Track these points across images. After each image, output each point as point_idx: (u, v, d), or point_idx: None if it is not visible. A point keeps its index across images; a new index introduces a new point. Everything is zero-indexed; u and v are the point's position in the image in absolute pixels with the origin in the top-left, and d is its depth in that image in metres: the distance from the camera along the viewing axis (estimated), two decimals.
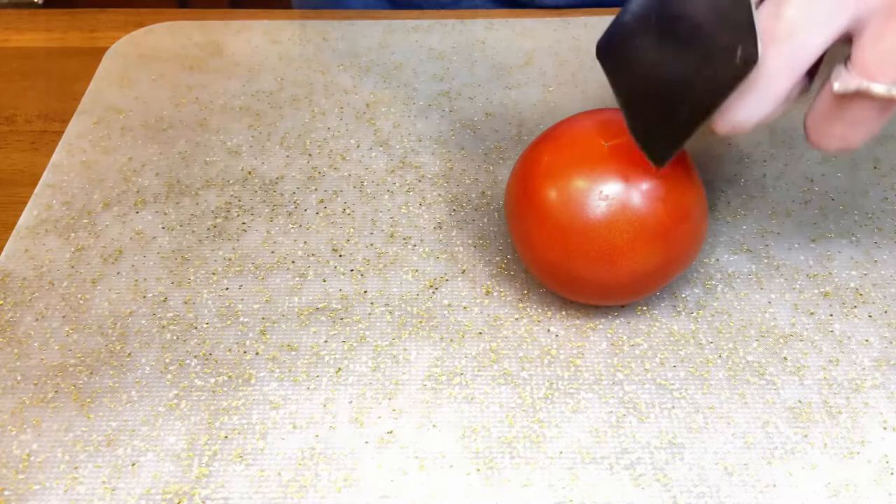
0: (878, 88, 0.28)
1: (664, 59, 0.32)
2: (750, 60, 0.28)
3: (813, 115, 0.31)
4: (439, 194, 0.45)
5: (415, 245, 0.42)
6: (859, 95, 0.29)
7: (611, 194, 0.34)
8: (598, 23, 0.56)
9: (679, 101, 0.31)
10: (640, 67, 0.33)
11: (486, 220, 0.43)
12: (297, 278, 0.41)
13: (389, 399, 0.36)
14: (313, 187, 0.45)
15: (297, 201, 0.44)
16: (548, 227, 0.35)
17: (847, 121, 0.30)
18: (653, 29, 0.32)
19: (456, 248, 0.42)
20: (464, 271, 0.41)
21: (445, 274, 0.41)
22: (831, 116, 0.30)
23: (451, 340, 0.38)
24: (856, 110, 0.30)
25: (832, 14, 0.28)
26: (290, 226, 0.43)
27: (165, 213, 0.44)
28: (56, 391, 0.36)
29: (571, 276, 0.36)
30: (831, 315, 0.39)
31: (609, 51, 0.34)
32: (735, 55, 0.28)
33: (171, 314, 0.39)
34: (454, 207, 0.44)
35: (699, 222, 0.36)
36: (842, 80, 0.29)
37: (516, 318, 0.39)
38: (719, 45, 0.29)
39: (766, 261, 0.41)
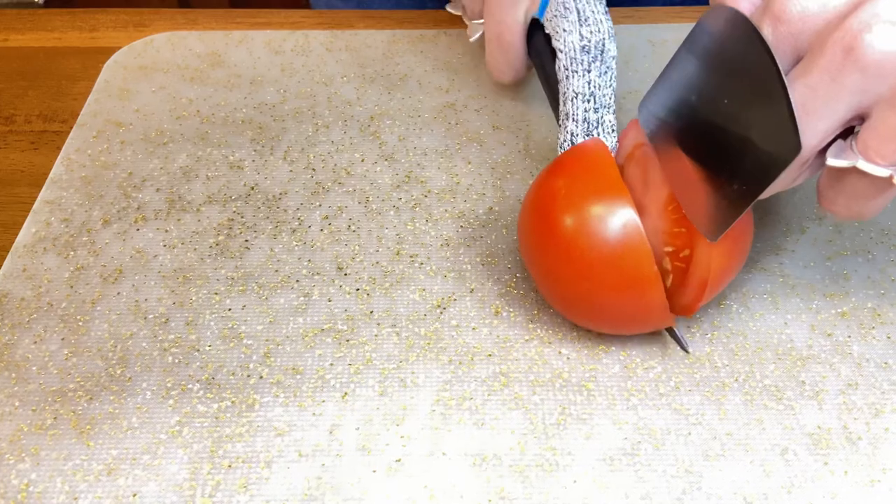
0: (865, 166, 0.29)
1: (710, 139, 0.32)
2: (792, 150, 0.29)
3: (821, 180, 0.32)
4: (446, 210, 0.44)
5: (421, 263, 0.41)
6: (856, 171, 0.30)
7: (634, 220, 0.33)
8: None
9: (727, 182, 0.32)
10: (684, 142, 0.34)
11: (494, 236, 0.42)
12: (302, 298, 0.40)
13: (397, 425, 0.35)
14: (317, 203, 0.44)
15: (301, 217, 0.43)
16: (573, 261, 0.34)
17: (847, 193, 0.31)
18: (697, 106, 0.33)
19: (464, 266, 0.41)
20: (472, 290, 0.40)
21: (453, 293, 0.40)
22: (834, 186, 0.32)
23: (460, 363, 0.37)
24: (854, 184, 0.31)
25: (833, 103, 0.29)
26: (294, 243, 0.42)
27: (166, 231, 0.43)
28: (55, 417, 0.35)
29: (602, 309, 0.35)
30: (849, 336, 0.38)
31: (653, 115, 0.35)
32: (778, 145, 0.29)
33: (173, 336, 0.38)
34: (461, 224, 0.43)
35: (739, 239, 0.35)
36: (836, 155, 0.30)
37: (526, 340, 0.38)
38: (762, 134, 0.30)
39: (781, 280, 0.40)
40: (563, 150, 0.40)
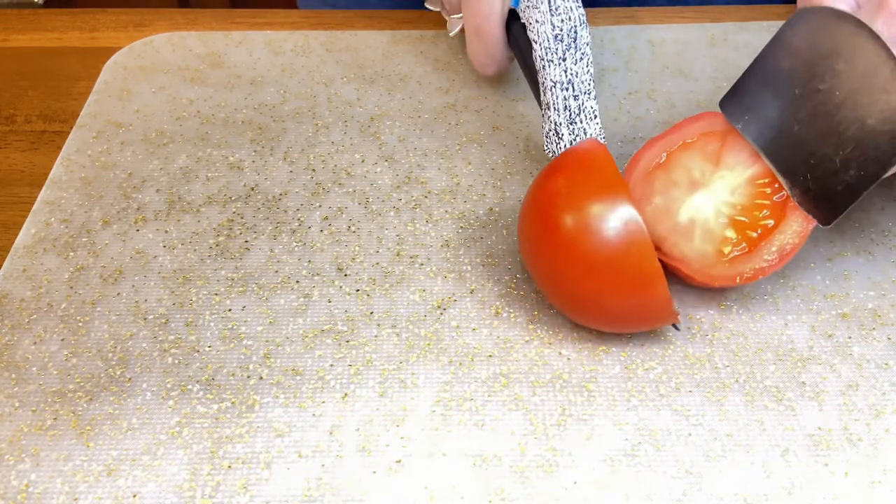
0: None
1: (818, 130, 0.33)
2: None
3: None
4: (446, 211, 0.44)
5: (422, 264, 0.41)
6: None
7: (635, 217, 0.33)
8: (604, 34, 0.55)
9: (841, 169, 0.33)
10: (789, 135, 0.35)
11: (494, 237, 0.42)
12: (302, 299, 0.40)
13: (397, 426, 0.35)
14: (317, 203, 0.44)
15: (301, 218, 0.43)
16: (575, 261, 0.34)
17: None
18: (800, 99, 0.34)
19: (464, 267, 0.41)
20: (472, 291, 0.40)
21: (453, 294, 0.40)
22: None
23: (461, 364, 0.37)
24: None
25: None
26: (294, 244, 0.42)
27: (166, 231, 0.43)
28: (55, 418, 0.35)
29: (606, 307, 0.35)
30: (850, 337, 0.38)
31: (746, 112, 0.36)
32: None
33: (173, 337, 0.38)
34: (461, 224, 0.43)
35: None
36: None
37: (527, 341, 0.38)
38: (883, 122, 0.31)
39: (781, 280, 0.40)
40: (548, 140, 0.41)
